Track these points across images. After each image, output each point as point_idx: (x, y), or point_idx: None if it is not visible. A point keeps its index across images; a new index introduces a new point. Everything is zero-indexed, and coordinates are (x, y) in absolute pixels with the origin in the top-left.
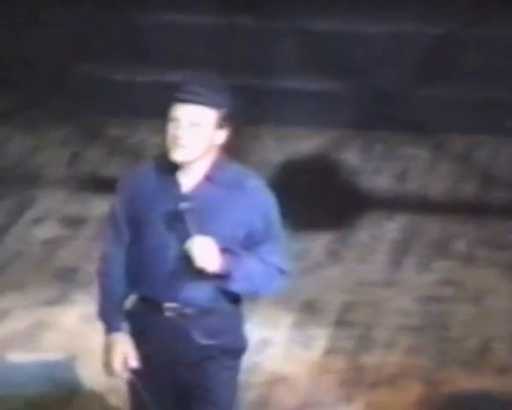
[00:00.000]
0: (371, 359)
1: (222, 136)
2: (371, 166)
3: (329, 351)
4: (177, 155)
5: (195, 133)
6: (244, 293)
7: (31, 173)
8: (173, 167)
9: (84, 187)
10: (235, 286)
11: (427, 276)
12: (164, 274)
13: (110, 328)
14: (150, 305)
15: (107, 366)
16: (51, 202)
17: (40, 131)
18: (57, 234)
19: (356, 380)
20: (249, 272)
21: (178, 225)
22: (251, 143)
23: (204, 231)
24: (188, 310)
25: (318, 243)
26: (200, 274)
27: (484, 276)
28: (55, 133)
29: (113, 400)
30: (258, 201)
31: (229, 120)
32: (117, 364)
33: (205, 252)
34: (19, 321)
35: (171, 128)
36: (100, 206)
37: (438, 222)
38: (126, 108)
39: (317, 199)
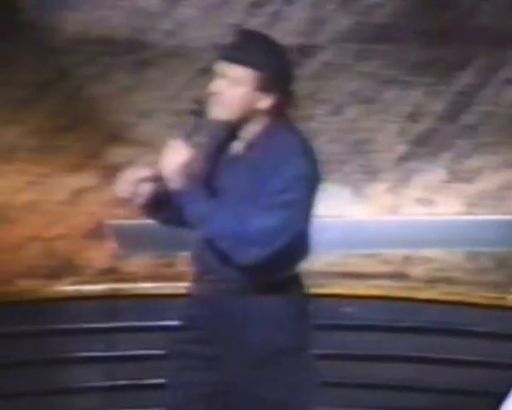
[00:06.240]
0: None
1: (267, 101)
2: None
3: None
4: (211, 112)
5: (231, 92)
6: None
7: (504, 33)
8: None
9: None
10: (189, 216)
11: None
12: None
13: None
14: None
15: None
16: None
17: None
18: None
19: None
20: (213, 212)
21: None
22: None
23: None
24: (223, 284)
25: None
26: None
27: None
28: None
29: None
30: (294, 170)
31: (277, 84)
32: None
33: (173, 154)
34: (488, 181)
35: (212, 83)
36: None
37: None
38: None
39: None
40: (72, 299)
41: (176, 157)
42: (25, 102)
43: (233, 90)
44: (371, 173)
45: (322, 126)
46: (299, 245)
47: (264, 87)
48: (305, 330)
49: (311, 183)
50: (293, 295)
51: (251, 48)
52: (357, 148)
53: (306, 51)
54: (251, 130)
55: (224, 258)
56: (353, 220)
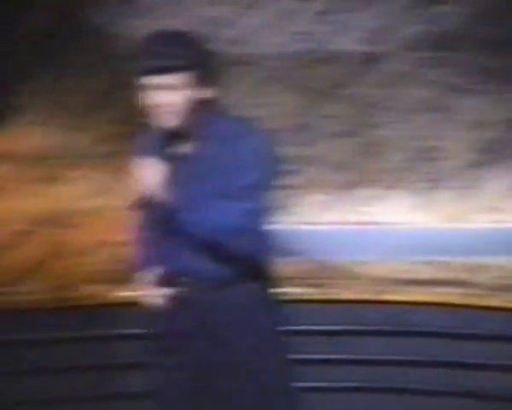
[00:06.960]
0: None
1: (207, 92)
2: None
3: None
4: (164, 123)
5: (173, 99)
6: (197, 230)
7: None
8: (170, 132)
9: None
10: (182, 222)
11: None
12: (170, 244)
13: None
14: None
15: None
16: None
17: None
18: None
19: None
20: (202, 211)
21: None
22: None
23: (201, 187)
24: (204, 284)
25: None
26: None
27: None
28: None
29: None
30: (250, 150)
31: (209, 74)
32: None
33: (149, 173)
34: None
35: (148, 97)
36: None
37: None
38: None
39: None
40: (136, 304)
41: (153, 173)
42: (90, 108)
43: (174, 96)
44: (438, 181)
45: (389, 134)
46: (268, 229)
47: (201, 82)
48: (283, 312)
49: (269, 157)
50: (270, 281)
51: (174, 52)
52: (425, 155)
53: (374, 59)
54: (196, 125)
55: (208, 255)
56: (419, 227)
